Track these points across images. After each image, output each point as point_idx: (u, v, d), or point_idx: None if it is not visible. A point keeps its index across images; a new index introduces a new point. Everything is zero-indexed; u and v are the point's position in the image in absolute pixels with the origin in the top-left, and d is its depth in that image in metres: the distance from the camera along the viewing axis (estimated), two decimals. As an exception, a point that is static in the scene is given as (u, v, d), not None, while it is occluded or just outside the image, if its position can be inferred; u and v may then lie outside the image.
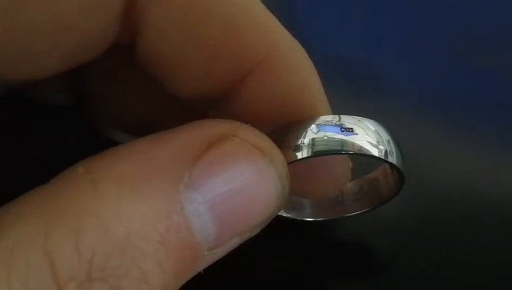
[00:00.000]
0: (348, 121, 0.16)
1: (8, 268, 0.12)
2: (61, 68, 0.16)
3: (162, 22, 0.16)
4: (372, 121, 0.17)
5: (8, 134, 0.20)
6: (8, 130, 0.20)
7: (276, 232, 0.16)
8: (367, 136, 0.16)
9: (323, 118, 0.16)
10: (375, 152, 0.16)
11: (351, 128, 0.16)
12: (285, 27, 0.17)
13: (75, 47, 0.15)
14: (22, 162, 0.20)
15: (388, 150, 0.17)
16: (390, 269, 0.21)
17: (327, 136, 0.16)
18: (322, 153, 0.16)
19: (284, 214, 0.20)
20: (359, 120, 0.17)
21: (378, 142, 0.16)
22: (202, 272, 0.14)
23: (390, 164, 0.17)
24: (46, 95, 0.21)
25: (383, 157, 0.16)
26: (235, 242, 0.15)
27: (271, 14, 0.17)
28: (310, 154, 0.16)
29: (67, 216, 0.12)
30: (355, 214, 0.20)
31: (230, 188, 0.14)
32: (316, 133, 0.16)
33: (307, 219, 0.21)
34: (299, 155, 0.16)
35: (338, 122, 0.16)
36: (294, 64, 0.17)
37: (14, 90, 0.19)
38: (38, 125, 0.21)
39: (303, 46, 0.17)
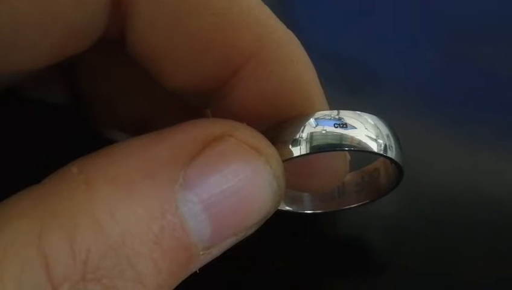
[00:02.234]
0: (346, 115, 0.16)
1: (2, 269, 0.12)
2: (50, 60, 0.15)
3: (151, 14, 0.15)
4: (371, 115, 0.16)
5: (3, 132, 0.20)
6: (3, 128, 0.20)
7: (275, 230, 0.16)
8: (366, 131, 0.16)
9: (321, 113, 0.16)
10: (374, 146, 0.16)
11: (350, 123, 0.16)
12: (285, 26, 0.17)
13: (63, 38, 0.15)
14: (17, 160, 0.20)
15: (387, 144, 0.16)
16: (389, 267, 0.21)
17: (325, 130, 0.16)
18: (319, 149, 0.16)
19: (284, 208, 0.20)
20: (358, 114, 0.16)
21: (377, 136, 0.16)
22: (198, 271, 0.14)
23: (389, 158, 0.17)
24: (41, 93, 0.21)
25: (381, 153, 0.16)
26: (230, 242, 0.14)
27: (265, 6, 0.16)
28: (308, 149, 0.16)
29: (60, 216, 0.12)
30: (355, 206, 0.20)
31: (225, 189, 0.14)
32: (315, 128, 0.16)
33: (307, 212, 0.21)
34: (297, 150, 0.16)
35: (337, 117, 0.16)
36: (288, 57, 0.16)
37: (9, 88, 0.19)
38: (33, 124, 0.21)
39: (303, 45, 0.17)
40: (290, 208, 0.20)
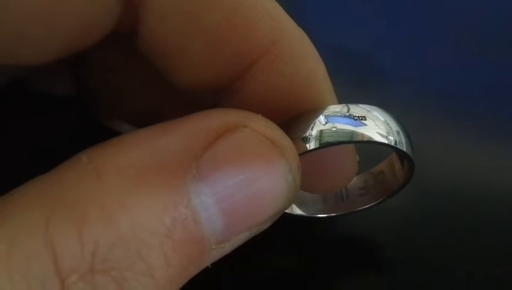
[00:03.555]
0: (356, 111, 0.16)
1: (9, 259, 0.11)
2: (60, 54, 0.15)
3: (164, 8, 0.15)
4: (381, 110, 0.16)
5: (11, 123, 0.20)
6: (10, 120, 0.20)
7: (280, 229, 0.16)
8: (376, 127, 0.16)
9: (331, 109, 0.16)
10: (385, 142, 0.16)
11: (360, 118, 0.16)
12: (292, 18, 0.16)
13: (73, 31, 0.15)
14: (25, 152, 0.20)
15: (398, 140, 0.16)
16: (396, 264, 0.21)
17: (336, 127, 0.16)
18: (331, 144, 0.15)
19: (296, 211, 0.20)
20: (368, 110, 0.16)
21: (388, 132, 0.16)
22: (210, 266, 0.14)
23: (402, 151, 0.16)
24: (48, 85, 0.20)
25: (392, 144, 0.16)
26: (244, 236, 0.14)
27: (276, 2, 0.16)
28: (318, 145, 0.15)
29: (69, 206, 0.12)
30: (363, 209, 0.20)
31: (238, 181, 0.13)
32: (324, 125, 0.16)
33: (314, 216, 0.20)
34: (307, 147, 0.16)
35: (347, 113, 0.16)
36: (300, 53, 0.16)
37: (17, 79, 0.19)
38: (41, 116, 0.21)
39: (310, 37, 0.17)
40: (296, 212, 0.20)
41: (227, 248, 0.14)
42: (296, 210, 0.20)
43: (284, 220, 0.16)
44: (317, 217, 0.20)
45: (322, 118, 0.16)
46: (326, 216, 0.20)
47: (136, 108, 0.20)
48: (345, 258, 0.21)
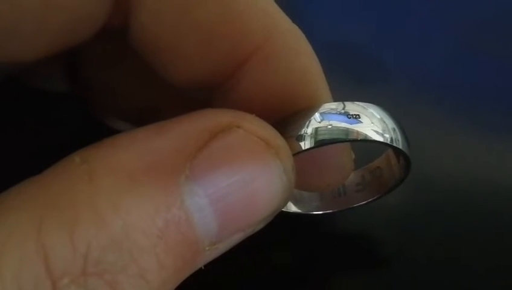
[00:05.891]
0: (352, 108, 0.16)
1: (1, 261, 0.11)
2: (51, 49, 0.15)
3: (156, 3, 0.15)
4: (377, 107, 0.16)
5: (5, 121, 0.19)
6: (5, 117, 0.20)
7: (279, 226, 0.16)
8: (372, 124, 0.16)
9: (327, 106, 0.16)
10: (380, 140, 0.16)
11: (356, 116, 0.16)
12: (288, 13, 0.16)
13: (64, 26, 0.15)
14: (19, 150, 0.20)
15: (394, 137, 0.16)
16: (394, 261, 0.21)
17: (331, 124, 0.16)
18: (327, 142, 0.15)
19: (291, 209, 0.20)
20: (364, 107, 0.16)
21: (383, 130, 0.16)
22: (203, 267, 0.14)
23: (397, 149, 0.16)
24: (43, 82, 0.20)
25: (388, 142, 0.16)
26: (238, 237, 0.14)
27: None
28: (313, 144, 0.15)
29: (61, 208, 0.12)
30: (360, 205, 0.20)
31: (233, 182, 0.13)
32: (320, 122, 0.16)
33: (311, 213, 0.20)
34: (302, 145, 0.15)
35: (342, 110, 0.16)
36: (294, 49, 0.16)
37: (11, 76, 0.19)
38: (36, 113, 0.21)
39: (306, 33, 0.17)
40: (293, 210, 0.20)
41: (221, 248, 0.14)
42: (292, 207, 0.20)
43: (280, 218, 0.16)
44: (314, 214, 0.20)
45: (317, 115, 0.16)
46: (323, 213, 0.20)
47: (130, 105, 0.20)
48: (343, 255, 0.21)
